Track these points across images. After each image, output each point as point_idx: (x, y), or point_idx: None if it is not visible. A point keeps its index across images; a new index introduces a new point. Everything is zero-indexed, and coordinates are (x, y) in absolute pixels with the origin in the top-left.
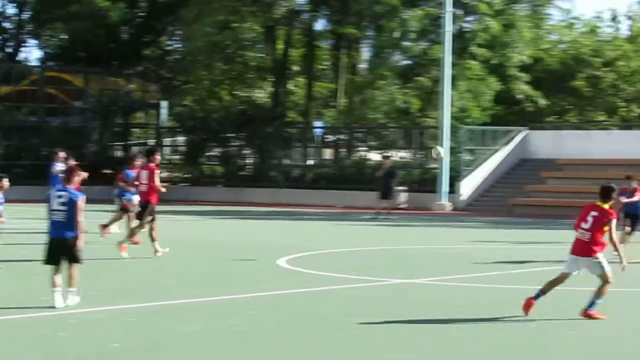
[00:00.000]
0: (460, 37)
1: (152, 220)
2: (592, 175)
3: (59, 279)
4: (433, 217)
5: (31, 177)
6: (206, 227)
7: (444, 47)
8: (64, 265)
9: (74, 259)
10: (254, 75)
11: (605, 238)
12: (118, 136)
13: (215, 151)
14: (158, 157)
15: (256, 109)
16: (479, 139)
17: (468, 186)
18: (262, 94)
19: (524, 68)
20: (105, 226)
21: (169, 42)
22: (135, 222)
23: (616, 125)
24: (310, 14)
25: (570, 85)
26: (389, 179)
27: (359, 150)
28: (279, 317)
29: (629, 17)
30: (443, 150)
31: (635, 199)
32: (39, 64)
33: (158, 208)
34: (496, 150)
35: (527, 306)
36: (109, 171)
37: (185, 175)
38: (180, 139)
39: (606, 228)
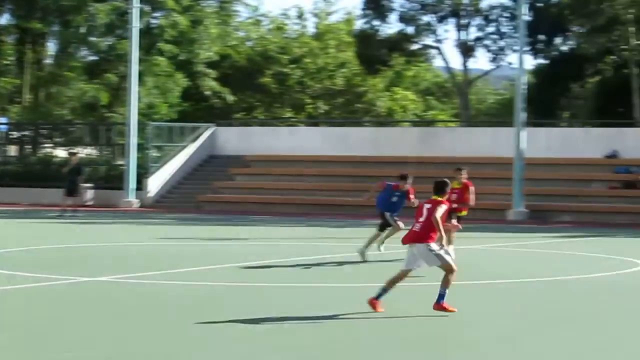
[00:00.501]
0: (148, 33)
1: None
2: (279, 172)
3: None
4: (120, 214)
5: None
6: None
7: (131, 43)
8: None
9: None
10: None
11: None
12: None
13: None
14: None
15: None
16: (167, 135)
17: (156, 183)
18: None
19: (212, 64)
20: None
21: None
22: None
23: (303, 122)
24: None
25: (258, 82)
26: (75, 176)
27: (44, 147)
28: None
29: (315, 15)
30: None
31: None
32: None
33: None
34: (184, 147)
35: (374, 306)
36: None
37: None
38: None
39: (441, 214)
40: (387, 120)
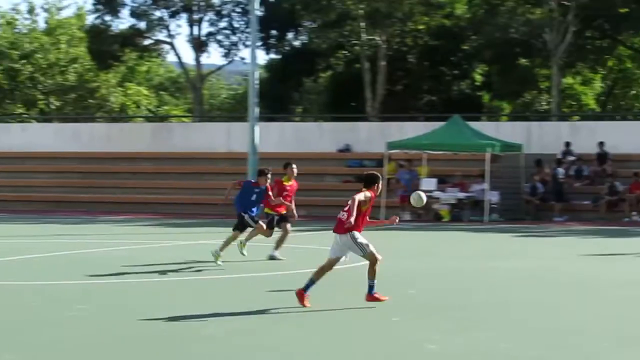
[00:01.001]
0: None
1: None
2: (12, 169)
3: None
4: None
5: None
6: None
7: None
8: None
9: None
10: None
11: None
12: None
13: None
14: None
15: None
16: None
17: None
18: None
19: None
20: None
21: None
22: None
23: (35, 118)
24: None
25: None
26: None
27: None
28: None
29: (46, 10)
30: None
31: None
32: None
33: None
34: None
35: (301, 299)
36: None
37: None
38: None
39: (364, 208)
40: (120, 116)
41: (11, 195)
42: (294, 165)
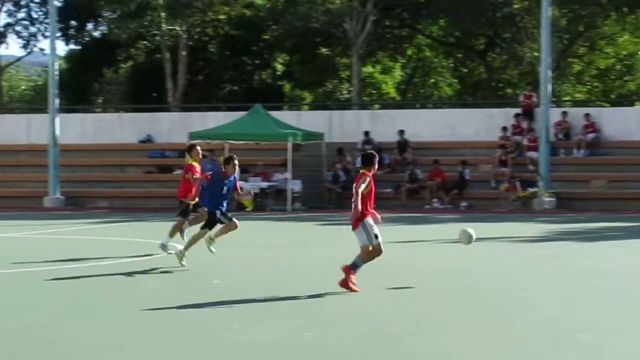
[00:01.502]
0: None
1: None
2: None
3: None
4: None
5: None
6: None
7: None
8: None
9: None
10: None
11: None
12: None
13: None
14: None
15: None
16: None
17: None
18: None
19: None
20: None
21: None
22: None
23: None
24: None
25: None
26: None
27: None
28: None
29: None
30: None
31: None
32: None
33: None
34: None
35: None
36: None
37: None
38: None
39: (366, 191)
40: None
41: None
42: (199, 147)
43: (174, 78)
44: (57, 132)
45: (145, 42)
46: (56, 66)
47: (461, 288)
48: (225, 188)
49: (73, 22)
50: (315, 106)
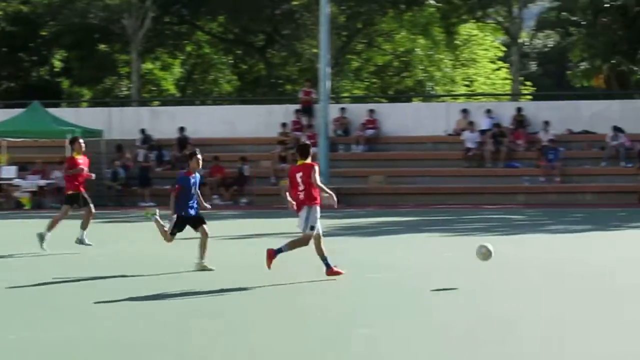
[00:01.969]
0: None
1: None
2: None
3: None
4: None
5: None
6: None
7: None
8: None
9: None
10: None
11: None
12: None
13: None
14: None
15: None
16: None
17: None
18: None
19: None
20: None
21: None
22: None
23: None
24: None
25: None
26: None
27: None
28: None
29: None
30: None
31: None
32: None
33: None
34: None
35: (269, 257)
36: None
37: None
38: None
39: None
40: None
41: None
42: (82, 140)
43: None
44: None
45: None
46: None
47: (236, 284)
48: (192, 188)
49: None
50: (94, 103)
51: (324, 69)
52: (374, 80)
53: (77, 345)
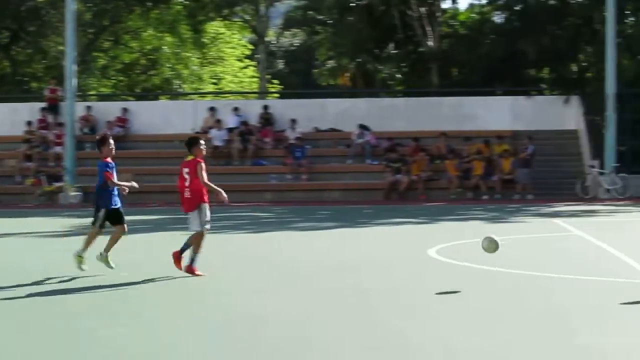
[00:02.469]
0: None
1: None
2: None
3: None
4: None
5: None
6: None
7: None
8: None
9: None
10: None
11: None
12: None
13: None
14: None
15: None
16: None
17: None
18: None
19: None
20: None
21: None
22: None
23: None
24: None
25: None
26: None
27: None
28: None
29: None
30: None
31: None
32: None
33: None
34: None
35: (177, 261)
36: None
37: None
38: None
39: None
40: None
41: None
42: None
43: None
44: None
45: None
46: None
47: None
48: (115, 176)
49: None
50: None
51: (70, 66)
52: (121, 78)
53: None
